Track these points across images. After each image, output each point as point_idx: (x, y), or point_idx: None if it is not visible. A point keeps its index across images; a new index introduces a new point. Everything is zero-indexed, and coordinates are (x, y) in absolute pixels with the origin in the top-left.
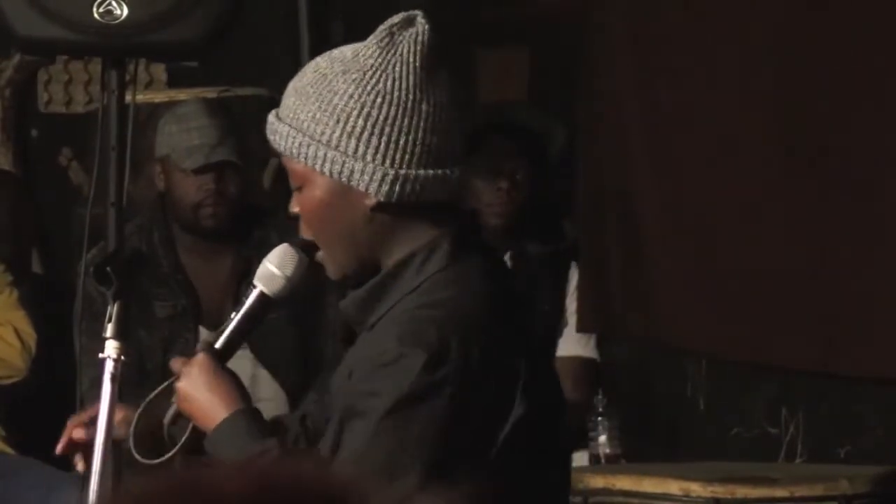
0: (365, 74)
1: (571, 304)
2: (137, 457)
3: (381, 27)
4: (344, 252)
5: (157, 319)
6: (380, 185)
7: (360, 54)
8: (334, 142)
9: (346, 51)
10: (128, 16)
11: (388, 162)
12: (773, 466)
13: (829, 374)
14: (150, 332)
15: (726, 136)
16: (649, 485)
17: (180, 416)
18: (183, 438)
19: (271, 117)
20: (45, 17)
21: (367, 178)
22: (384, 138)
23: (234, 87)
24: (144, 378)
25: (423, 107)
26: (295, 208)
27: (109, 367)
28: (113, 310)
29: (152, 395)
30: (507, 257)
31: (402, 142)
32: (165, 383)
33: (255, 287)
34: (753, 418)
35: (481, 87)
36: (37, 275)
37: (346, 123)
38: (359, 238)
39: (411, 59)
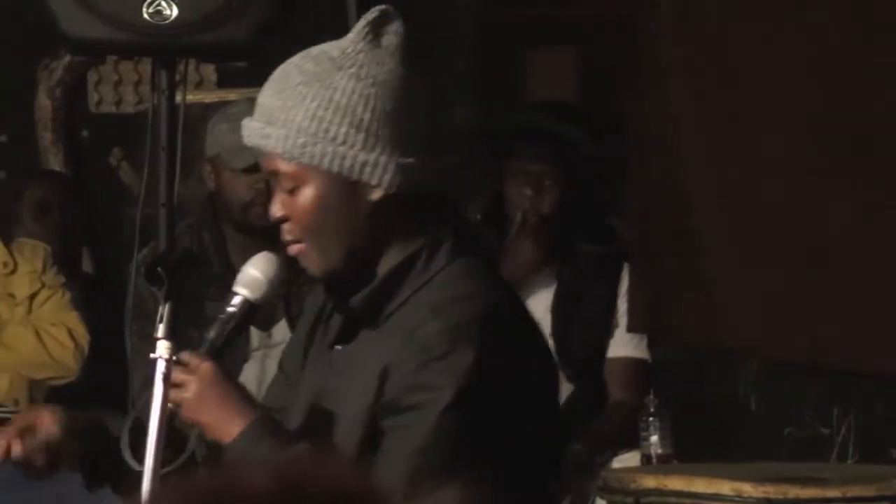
0: (361, 69)
1: (623, 305)
2: (132, 463)
3: (361, 23)
4: (338, 248)
5: (208, 319)
6: (391, 177)
7: (349, 50)
8: (340, 137)
9: (329, 49)
10: (178, 16)
11: (396, 152)
12: (825, 467)
13: (882, 374)
14: (201, 332)
15: (782, 135)
16: (701, 485)
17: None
18: (188, 449)
19: (254, 123)
20: (94, 17)
21: (376, 170)
22: (389, 129)
23: None
24: None
25: (417, 96)
26: (279, 212)
27: (161, 367)
28: (164, 310)
29: (140, 402)
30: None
31: (405, 131)
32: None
33: (236, 294)
34: (805, 418)
35: (529, 88)
36: (87, 275)
37: (351, 118)
38: (358, 233)
39: (398, 52)
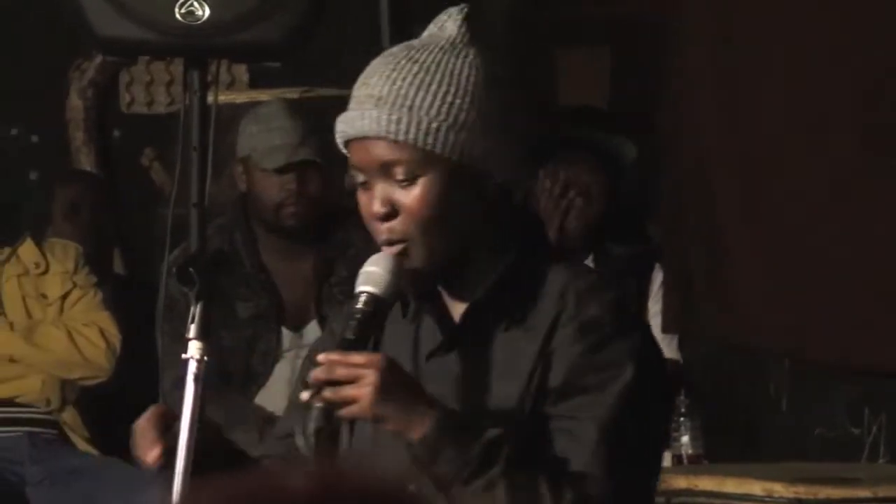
0: (476, 58)
1: (654, 306)
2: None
3: (453, 19)
4: (447, 242)
5: (239, 320)
6: (509, 168)
7: (458, 41)
8: (469, 124)
9: (435, 41)
10: (210, 16)
11: (511, 143)
12: (856, 467)
13: None
14: (233, 333)
15: (811, 136)
16: (732, 485)
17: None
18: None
19: (371, 112)
20: (126, 17)
21: (498, 160)
22: (506, 120)
23: (315, 87)
24: (226, 379)
25: (518, 90)
26: (384, 208)
27: (192, 367)
28: (195, 310)
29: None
30: (589, 259)
31: (517, 123)
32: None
33: (362, 294)
34: (836, 418)
35: (562, 88)
36: (119, 275)
37: (479, 105)
38: (468, 225)
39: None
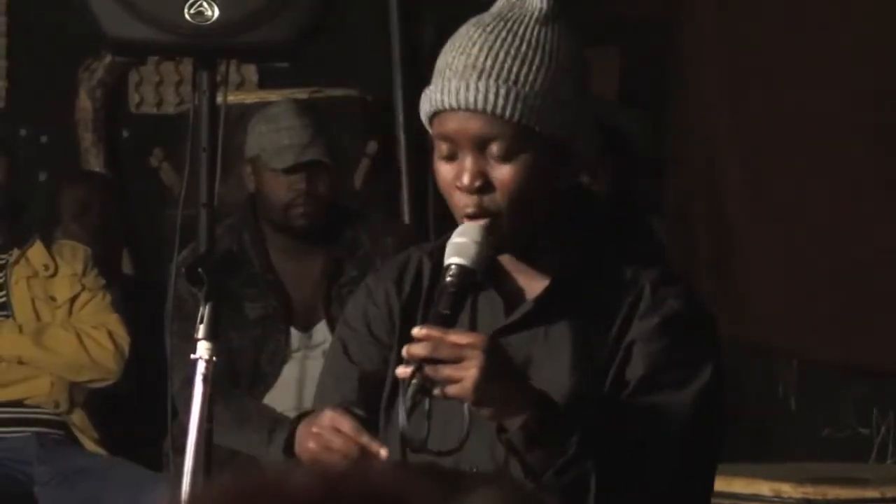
0: (567, 31)
1: None
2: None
3: None
4: (533, 218)
5: (247, 320)
6: (594, 146)
7: (548, 13)
8: (567, 101)
9: (527, 10)
10: (219, 17)
11: (594, 121)
12: (865, 467)
13: None
14: (241, 333)
15: (818, 134)
16: (740, 485)
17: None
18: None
19: (482, 83)
20: (135, 18)
21: (587, 138)
22: (591, 97)
23: (324, 87)
24: (235, 379)
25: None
26: (479, 181)
27: (201, 367)
28: (204, 310)
29: (412, 392)
30: None
31: (593, 100)
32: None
33: (450, 266)
34: (844, 419)
35: None
36: (127, 276)
37: (575, 82)
38: (554, 203)
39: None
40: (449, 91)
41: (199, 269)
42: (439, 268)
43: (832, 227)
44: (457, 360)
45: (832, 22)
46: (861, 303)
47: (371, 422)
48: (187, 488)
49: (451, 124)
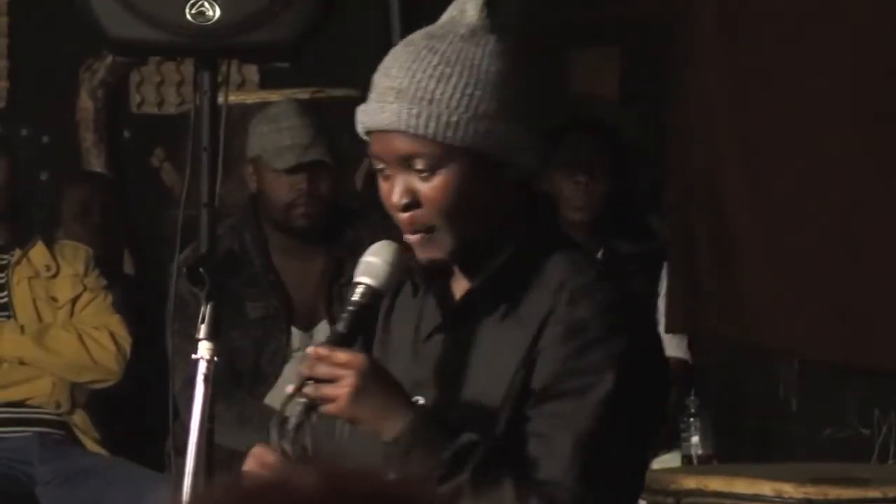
0: (496, 45)
1: (663, 305)
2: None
3: (473, 4)
4: (470, 229)
5: (249, 320)
6: (529, 158)
7: (478, 28)
8: (489, 114)
9: (453, 28)
10: (220, 17)
11: (532, 133)
12: (866, 467)
13: None
14: (242, 333)
15: (819, 134)
16: (741, 485)
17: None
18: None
19: (396, 104)
20: (137, 18)
21: (520, 150)
22: (526, 109)
23: (326, 87)
24: (236, 379)
25: (534, 77)
26: (406, 198)
27: (202, 367)
28: (205, 310)
29: (287, 401)
30: (598, 256)
31: (534, 110)
32: (296, 387)
33: (358, 284)
34: (846, 419)
35: (573, 87)
36: (128, 276)
37: (500, 95)
38: (490, 213)
39: (506, 33)
40: (369, 112)
41: (201, 269)
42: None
43: (832, 227)
44: (334, 379)
45: (833, 22)
46: (862, 303)
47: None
48: (189, 488)
49: (377, 144)
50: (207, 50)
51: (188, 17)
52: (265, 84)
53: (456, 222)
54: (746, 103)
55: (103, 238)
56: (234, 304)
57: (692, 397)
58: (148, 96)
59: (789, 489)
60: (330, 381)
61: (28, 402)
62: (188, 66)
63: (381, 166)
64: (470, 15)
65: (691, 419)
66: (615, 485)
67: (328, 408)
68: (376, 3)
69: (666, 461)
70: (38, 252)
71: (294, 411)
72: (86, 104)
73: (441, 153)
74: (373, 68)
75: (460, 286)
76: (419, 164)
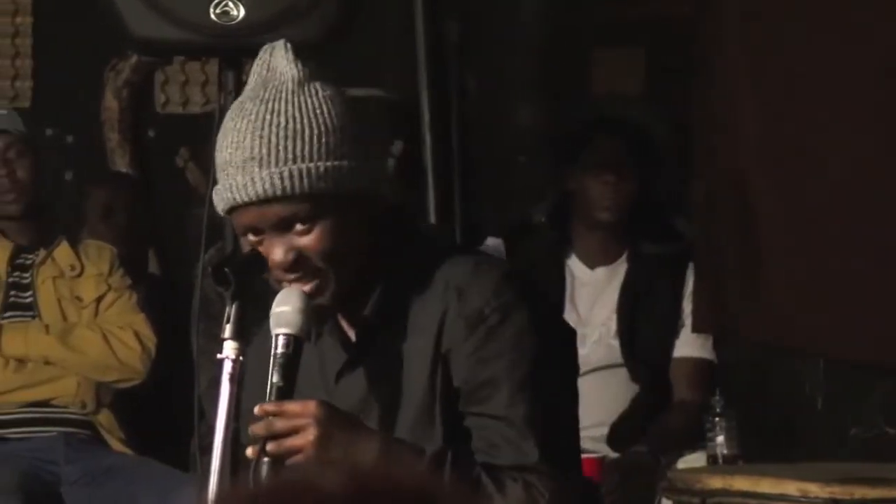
0: (325, 91)
1: (689, 305)
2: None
3: (278, 57)
4: (352, 269)
5: None
6: (385, 183)
7: (302, 79)
8: (348, 155)
9: (280, 82)
10: (244, 16)
11: (384, 157)
12: (892, 467)
13: None
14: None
15: (846, 134)
16: (767, 485)
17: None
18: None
19: (265, 171)
20: (161, 18)
21: (376, 179)
22: (372, 138)
23: (349, 87)
24: None
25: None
26: (291, 254)
27: (227, 367)
28: (231, 310)
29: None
30: (623, 258)
31: (379, 137)
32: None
33: (279, 336)
34: (871, 418)
35: (596, 87)
36: (153, 276)
37: (349, 135)
38: (365, 248)
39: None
40: (237, 188)
41: (226, 269)
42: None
43: (858, 227)
44: (294, 432)
45: (859, 17)
46: (888, 302)
47: None
48: (214, 488)
49: (249, 217)
50: (232, 49)
51: (213, 16)
52: None
53: (339, 265)
54: (772, 102)
55: (128, 238)
56: (258, 304)
57: (717, 397)
58: (172, 96)
59: (815, 489)
60: (289, 434)
61: (53, 402)
62: (213, 66)
63: (254, 237)
64: (283, 69)
65: (716, 419)
66: (569, 440)
67: (296, 460)
68: (400, 3)
69: (691, 461)
70: (63, 252)
71: (262, 472)
72: (110, 104)
73: (315, 206)
74: (396, 69)
75: (351, 322)
76: (298, 223)
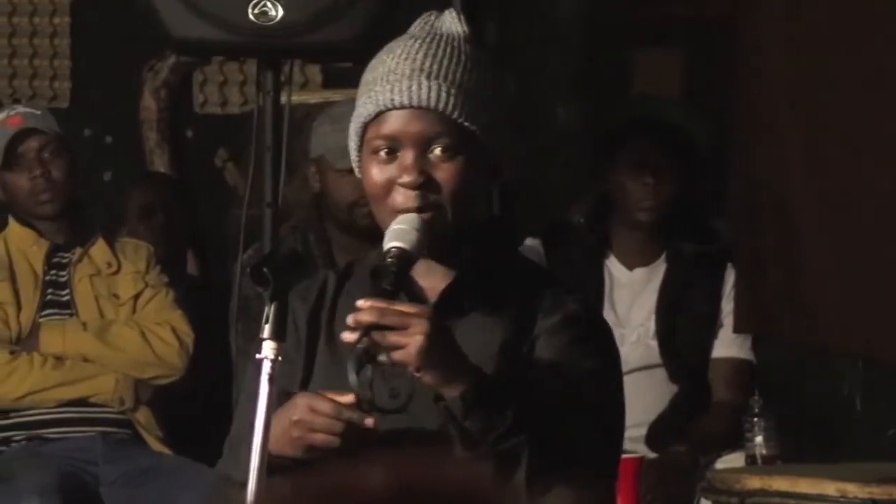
0: (487, 55)
1: (727, 306)
2: (375, 406)
3: (447, 17)
4: (467, 216)
5: None
6: (513, 151)
7: (471, 38)
8: (499, 109)
9: (450, 33)
10: (283, 17)
11: (514, 136)
12: None
13: None
14: None
15: (886, 133)
16: (805, 486)
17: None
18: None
19: (434, 83)
20: (200, 18)
21: (509, 143)
22: (511, 112)
23: None
24: None
25: None
26: (421, 177)
27: (266, 367)
28: (270, 310)
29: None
30: (662, 258)
31: (513, 124)
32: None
33: (390, 248)
34: None
35: (635, 88)
36: (192, 276)
37: (502, 93)
38: (479, 208)
39: None
40: (400, 90)
41: (265, 269)
42: (344, 278)
43: None
44: (402, 327)
45: (893, 17)
46: None
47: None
48: (253, 488)
49: (398, 124)
50: (270, 50)
51: (251, 16)
52: (328, 84)
53: (463, 208)
54: (811, 102)
55: (166, 238)
56: None
57: (756, 397)
58: (211, 96)
59: (854, 489)
60: (398, 329)
61: (91, 400)
62: (251, 66)
63: (385, 153)
64: (450, 24)
65: (755, 419)
66: (618, 440)
67: (396, 355)
68: (438, 3)
69: (730, 461)
70: (99, 249)
71: (352, 359)
72: (149, 104)
73: (462, 137)
74: None
75: (430, 281)
76: (441, 146)
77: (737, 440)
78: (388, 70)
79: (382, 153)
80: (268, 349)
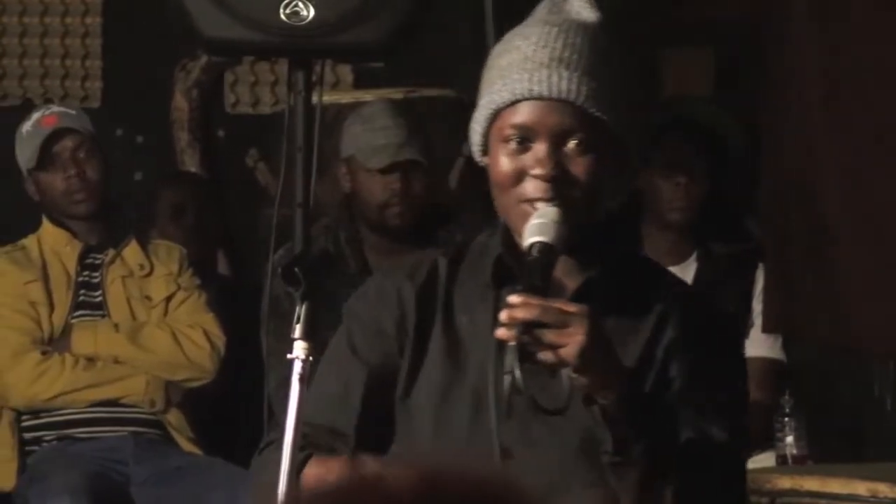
0: (619, 44)
1: (758, 305)
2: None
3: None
4: (597, 215)
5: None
6: (637, 158)
7: (604, 25)
8: (633, 104)
9: (582, 18)
10: (314, 17)
11: (644, 128)
12: None
13: None
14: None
15: None
16: (836, 485)
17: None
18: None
19: (575, 75)
20: (231, 18)
21: (639, 142)
22: (645, 106)
23: (419, 87)
24: None
25: None
26: (555, 170)
27: (297, 367)
28: (301, 310)
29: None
30: (693, 258)
31: (644, 110)
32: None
33: (532, 244)
34: None
35: (666, 88)
36: (223, 276)
37: (637, 87)
38: (607, 205)
39: None
40: (540, 80)
41: (296, 269)
42: (456, 264)
43: None
44: (562, 326)
45: None
46: None
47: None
48: (284, 489)
49: (534, 115)
50: (301, 50)
51: (282, 16)
52: (359, 84)
53: (594, 204)
54: (840, 101)
55: (198, 238)
56: (328, 304)
57: (786, 397)
58: (242, 96)
59: (885, 489)
60: (558, 327)
61: (122, 401)
62: (282, 66)
63: (517, 143)
64: (580, 8)
65: (786, 419)
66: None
67: (556, 354)
68: (471, 2)
69: (761, 461)
70: (132, 251)
71: (508, 357)
72: (180, 104)
73: (598, 133)
74: (466, 69)
75: (563, 275)
76: (576, 140)
77: (767, 440)
78: (525, 57)
79: (514, 143)
80: (299, 349)
